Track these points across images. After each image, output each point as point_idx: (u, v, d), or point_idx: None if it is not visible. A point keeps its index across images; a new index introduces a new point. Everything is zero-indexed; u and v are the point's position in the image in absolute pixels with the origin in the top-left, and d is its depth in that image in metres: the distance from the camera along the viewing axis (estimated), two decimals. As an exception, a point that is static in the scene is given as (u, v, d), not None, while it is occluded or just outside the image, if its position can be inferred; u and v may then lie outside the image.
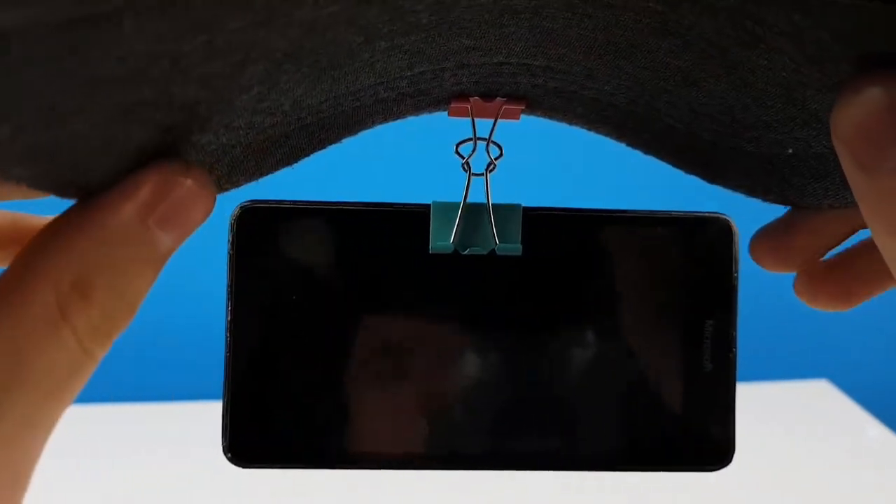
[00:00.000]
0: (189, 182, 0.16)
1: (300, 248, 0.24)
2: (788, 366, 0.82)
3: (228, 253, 0.23)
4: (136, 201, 0.15)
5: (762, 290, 0.79)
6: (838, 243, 0.22)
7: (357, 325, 0.24)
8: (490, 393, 0.24)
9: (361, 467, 0.24)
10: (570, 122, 0.23)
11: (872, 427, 0.71)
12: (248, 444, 0.24)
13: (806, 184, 0.20)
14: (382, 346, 0.24)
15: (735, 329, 0.24)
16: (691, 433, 0.24)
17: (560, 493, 0.59)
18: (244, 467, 0.24)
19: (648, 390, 0.24)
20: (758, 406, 0.71)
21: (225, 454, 0.24)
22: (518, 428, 0.24)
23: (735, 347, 0.24)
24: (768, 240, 0.22)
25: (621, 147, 0.24)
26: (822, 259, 0.22)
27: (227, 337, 0.23)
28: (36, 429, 0.14)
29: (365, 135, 0.24)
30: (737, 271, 0.24)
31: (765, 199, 0.22)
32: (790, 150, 0.19)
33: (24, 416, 0.14)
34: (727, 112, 0.19)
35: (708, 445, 0.24)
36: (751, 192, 0.22)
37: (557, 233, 0.24)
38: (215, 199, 0.17)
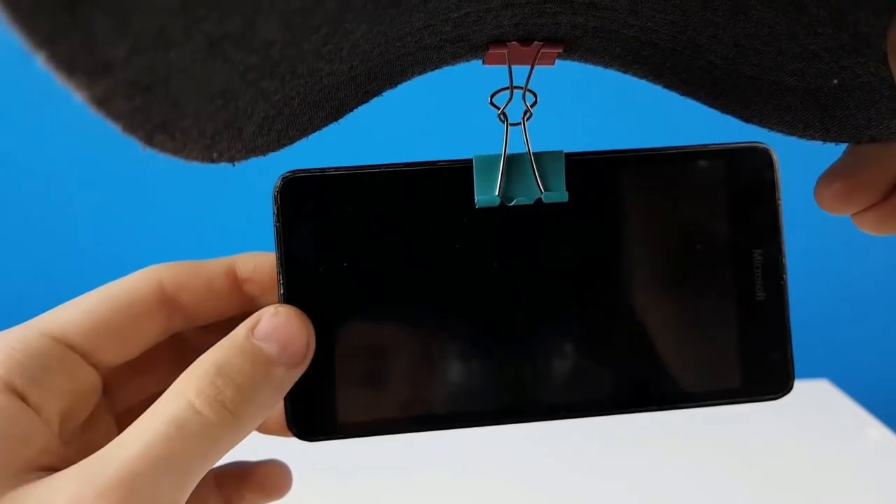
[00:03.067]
0: (282, 310, 0.22)
1: (346, 214, 0.24)
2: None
3: (275, 225, 0.23)
4: (245, 325, 0.22)
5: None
6: None
7: (411, 287, 0.24)
8: (553, 342, 0.24)
9: (429, 428, 0.24)
10: (607, 66, 0.24)
11: (872, 427, 0.71)
12: (310, 417, 0.24)
13: (849, 115, 0.21)
14: (438, 307, 0.24)
15: (784, 255, 0.24)
16: (751, 363, 0.24)
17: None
18: (310, 440, 0.24)
19: (705, 324, 0.24)
20: (757, 405, 0.71)
21: (290, 428, 0.24)
22: (583, 376, 0.24)
23: (786, 274, 0.24)
24: (833, 182, 0.22)
25: (654, 93, 0.24)
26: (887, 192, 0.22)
27: None
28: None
29: (394, 93, 0.25)
30: (780, 198, 0.24)
31: (803, 136, 0.22)
32: (835, 81, 0.19)
33: None
34: (773, 43, 0.19)
35: (768, 374, 0.24)
36: (790, 129, 0.22)
37: (601, 176, 0.24)
38: (309, 324, 0.23)
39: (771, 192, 0.24)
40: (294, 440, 0.24)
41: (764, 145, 0.24)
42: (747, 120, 0.23)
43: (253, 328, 0.22)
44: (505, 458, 0.62)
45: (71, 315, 0.23)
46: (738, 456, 0.62)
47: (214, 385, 0.20)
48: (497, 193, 0.24)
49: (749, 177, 0.24)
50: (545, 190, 0.24)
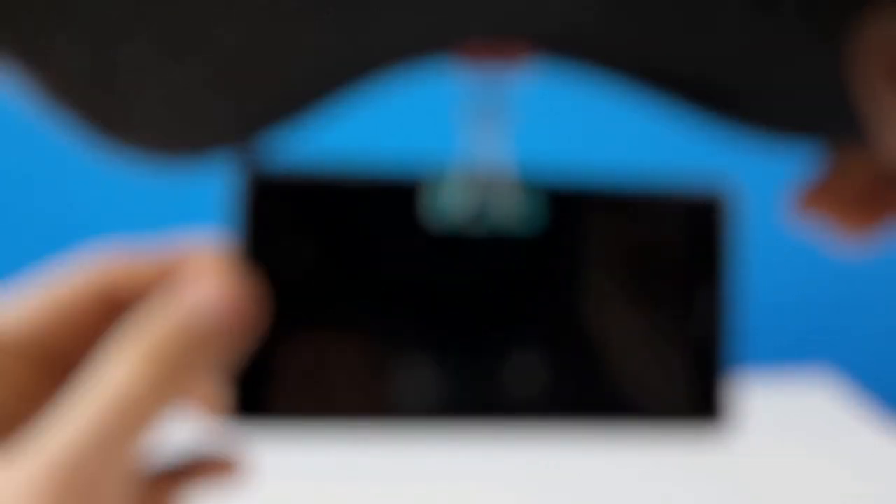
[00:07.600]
0: (227, 279, 0.22)
1: (316, 220, 0.24)
2: (787, 364, 0.82)
3: (240, 222, 0.23)
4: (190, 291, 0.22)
5: (761, 289, 0.79)
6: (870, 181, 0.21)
7: (367, 302, 0.24)
8: (506, 348, 0.24)
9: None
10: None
11: (873, 426, 0.70)
12: (250, 392, 0.23)
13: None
14: (389, 322, 0.24)
15: (728, 294, 0.25)
16: (684, 387, 0.25)
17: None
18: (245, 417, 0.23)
19: (646, 347, 0.25)
20: (757, 404, 0.70)
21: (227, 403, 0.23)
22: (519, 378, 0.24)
23: (728, 314, 0.25)
24: (806, 197, 0.21)
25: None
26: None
27: None
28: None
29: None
30: (726, 244, 0.25)
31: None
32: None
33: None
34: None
35: (698, 399, 0.25)
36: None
37: (559, 210, 0.24)
38: (254, 294, 0.22)
39: (718, 238, 0.25)
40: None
41: (716, 196, 0.25)
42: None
43: (198, 294, 0.22)
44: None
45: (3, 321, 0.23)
46: (734, 454, 0.61)
47: (155, 350, 0.21)
48: (461, 212, 0.23)
49: (700, 221, 0.25)
50: (511, 215, 0.24)
